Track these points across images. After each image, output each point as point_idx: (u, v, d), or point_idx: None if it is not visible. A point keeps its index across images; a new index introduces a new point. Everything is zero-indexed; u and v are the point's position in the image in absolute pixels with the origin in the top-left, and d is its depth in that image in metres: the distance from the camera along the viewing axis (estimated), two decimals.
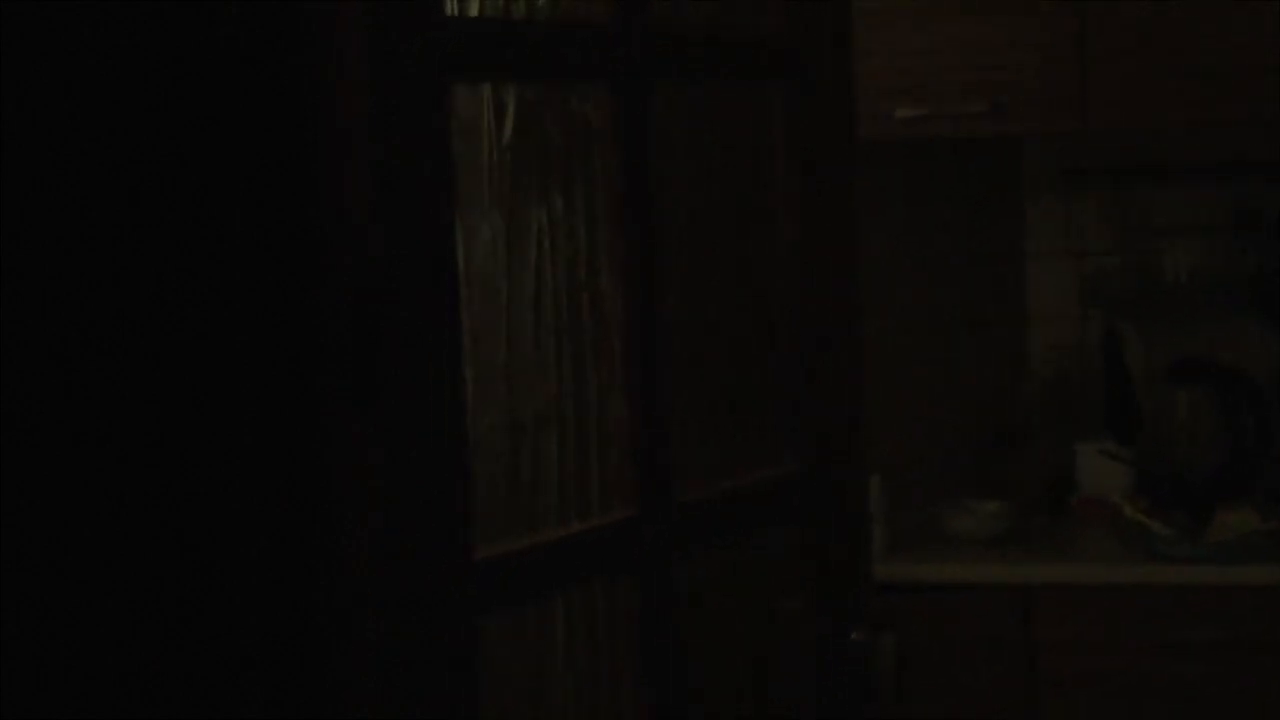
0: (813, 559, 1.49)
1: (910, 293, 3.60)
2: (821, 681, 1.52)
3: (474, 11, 1.99)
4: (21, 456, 1.06)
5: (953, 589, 3.36)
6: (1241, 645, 3.16)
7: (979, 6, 3.49)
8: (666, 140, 1.49)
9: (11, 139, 1.04)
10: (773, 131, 1.42)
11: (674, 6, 1.77)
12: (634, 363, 1.41)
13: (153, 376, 1.13)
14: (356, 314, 1.16)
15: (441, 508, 1.23)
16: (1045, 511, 3.70)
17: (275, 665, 1.18)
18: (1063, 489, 3.70)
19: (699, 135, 1.80)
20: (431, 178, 1.20)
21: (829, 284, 1.42)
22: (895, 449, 3.41)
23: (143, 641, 1.13)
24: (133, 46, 1.11)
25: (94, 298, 1.10)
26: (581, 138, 1.94)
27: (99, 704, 1.10)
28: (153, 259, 1.12)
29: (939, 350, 3.51)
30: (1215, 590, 3.13)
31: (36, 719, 1.05)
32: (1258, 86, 3.24)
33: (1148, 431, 3.51)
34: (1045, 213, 3.74)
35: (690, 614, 1.43)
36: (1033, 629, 3.33)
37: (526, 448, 2.11)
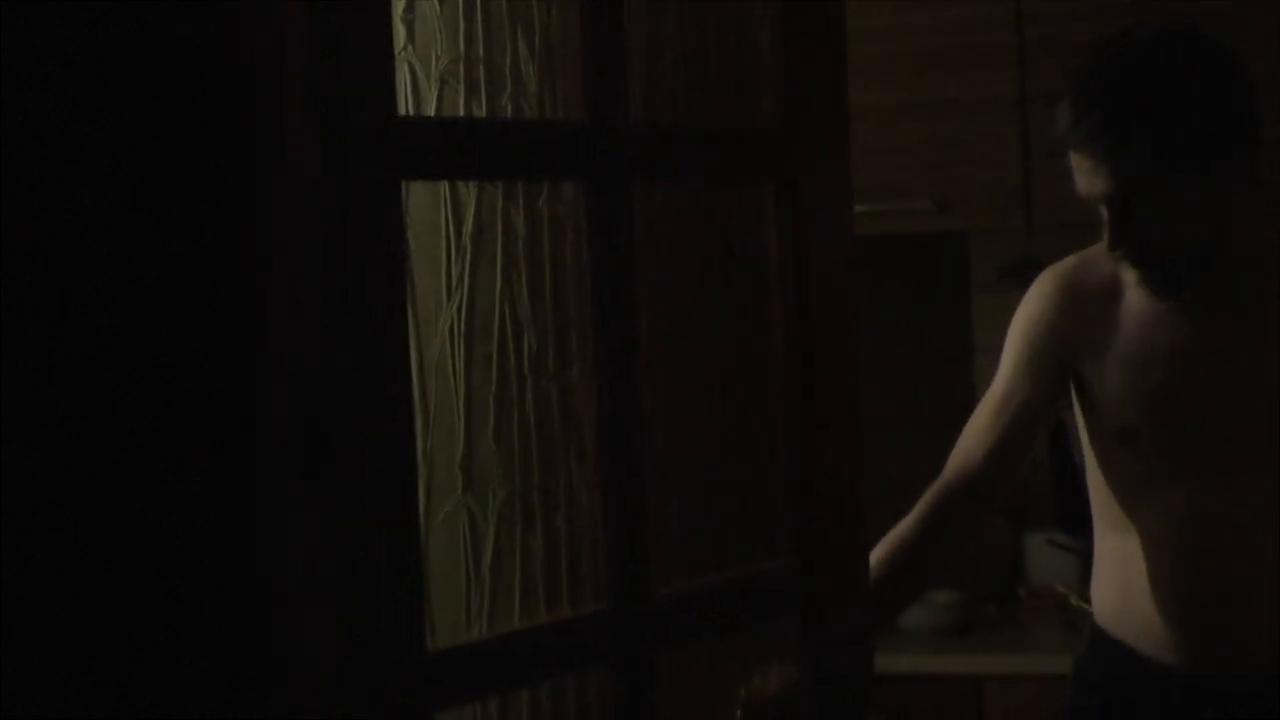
0: (808, 656, 1.49)
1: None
2: None
3: (430, 111, 2.01)
4: None
5: (905, 680, 3.37)
6: None
7: (926, 108, 3.56)
8: (649, 234, 1.50)
9: None
10: (765, 229, 1.43)
11: (663, 106, 1.78)
12: (607, 457, 1.40)
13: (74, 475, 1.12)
14: (304, 407, 1.15)
15: (393, 598, 1.22)
16: (995, 602, 3.72)
17: None
18: (1012, 580, 3.73)
19: (688, 230, 1.82)
20: (383, 273, 1.21)
21: (826, 380, 1.43)
22: None
23: None
24: (87, 149, 1.12)
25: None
26: (553, 231, 1.95)
27: None
28: (94, 367, 1.12)
29: (889, 445, 3.54)
30: None
31: None
32: None
33: None
34: (992, 307, 3.79)
35: (673, 710, 1.42)
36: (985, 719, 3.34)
37: (487, 541, 2.10)
